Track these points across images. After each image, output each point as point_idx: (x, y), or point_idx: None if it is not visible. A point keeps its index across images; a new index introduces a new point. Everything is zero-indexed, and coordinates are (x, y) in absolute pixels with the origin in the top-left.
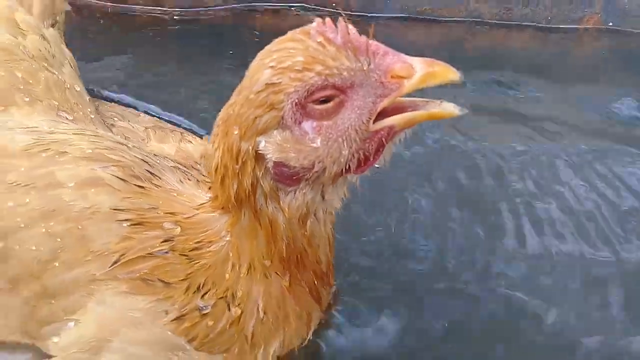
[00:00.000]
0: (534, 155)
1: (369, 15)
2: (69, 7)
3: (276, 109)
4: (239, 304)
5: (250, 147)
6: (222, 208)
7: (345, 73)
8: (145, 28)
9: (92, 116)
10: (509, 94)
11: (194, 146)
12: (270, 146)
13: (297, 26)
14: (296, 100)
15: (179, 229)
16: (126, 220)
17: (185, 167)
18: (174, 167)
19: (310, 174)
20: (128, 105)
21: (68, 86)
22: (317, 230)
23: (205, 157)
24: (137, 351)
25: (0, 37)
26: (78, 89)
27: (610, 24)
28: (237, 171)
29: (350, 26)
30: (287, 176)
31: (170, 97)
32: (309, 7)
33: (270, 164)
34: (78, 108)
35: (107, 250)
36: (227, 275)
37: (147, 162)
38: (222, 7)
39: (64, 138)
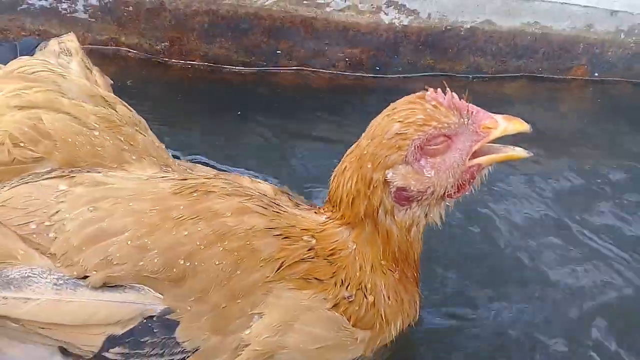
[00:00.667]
0: None
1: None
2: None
3: (402, 150)
4: (371, 293)
5: (381, 177)
6: (348, 223)
7: (452, 126)
8: None
9: (178, 168)
10: None
11: (264, 185)
12: (396, 176)
13: None
14: (418, 144)
15: (314, 240)
16: (278, 235)
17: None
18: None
19: (423, 197)
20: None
21: (157, 145)
22: (416, 236)
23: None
24: (314, 329)
25: (97, 109)
26: (163, 146)
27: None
28: (369, 194)
29: (453, 93)
30: (404, 198)
31: None
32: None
33: (393, 189)
34: (171, 162)
35: (272, 258)
36: (357, 273)
37: (265, 195)
38: None
39: (202, 182)
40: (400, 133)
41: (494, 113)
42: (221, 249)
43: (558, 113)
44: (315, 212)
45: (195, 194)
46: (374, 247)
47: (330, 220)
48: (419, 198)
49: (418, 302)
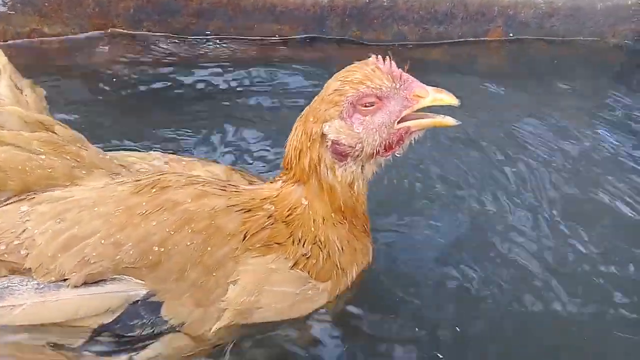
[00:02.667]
0: None
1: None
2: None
3: (338, 106)
4: (325, 246)
5: (319, 130)
6: (298, 180)
7: (384, 88)
8: None
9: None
10: None
11: (218, 167)
12: (331, 129)
13: None
14: (351, 101)
15: (272, 206)
16: (239, 210)
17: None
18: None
19: (353, 152)
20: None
21: (101, 156)
22: (360, 191)
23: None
24: (282, 288)
25: (37, 134)
26: (107, 156)
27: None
28: (310, 147)
29: (392, 62)
30: (339, 152)
31: None
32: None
33: (329, 142)
34: (117, 170)
35: (236, 231)
36: (312, 228)
37: (219, 180)
38: None
39: (156, 178)
40: (338, 89)
41: (426, 84)
42: (189, 231)
43: (478, 74)
44: (271, 182)
45: (153, 190)
46: (322, 201)
47: (285, 184)
48: (351, 153)
49: (370, 250)
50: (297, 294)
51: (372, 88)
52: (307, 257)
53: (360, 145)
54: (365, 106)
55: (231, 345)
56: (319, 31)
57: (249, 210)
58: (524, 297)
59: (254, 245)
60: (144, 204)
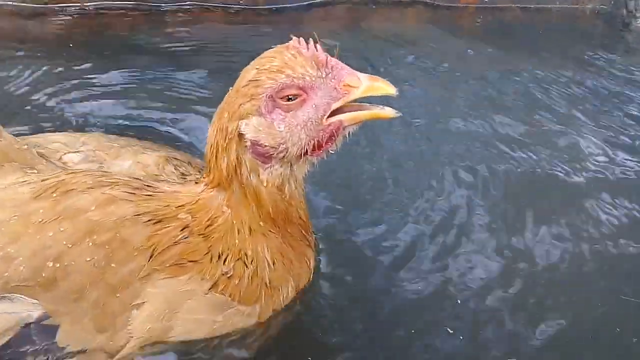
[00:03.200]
0: None
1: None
2: None
3: (255, 99)
4: (251, 261)
5: (235, 128)
6: (218, 185)
7: (307, 78)
8: None
9: (46, 162)
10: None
11: (150, 156)
12: (248, 128)
13: None
14: (269, 94)
15: (189, 216)
16: (148, 220)
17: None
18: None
19: (277, 154)
20: None
21: (17, 147)
22: (293, 194)
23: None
24: (199, 316)
25: None
26: (24, 147)
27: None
28: (225, 147)
29: (318, 45)
30: (260, 154)
31: None
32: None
33: (248, 143)
34: (35, 162)
35: (143, 246)
36: (236, 241)
37: (135, 179)
38: None
39: (61, 179)
40: (253, 80)
41: (361, 71)
42: (90, 244)
43: (454, 40)
44: (195, 183)
45: (54, 194)
46: (248, 208)
47: (206, 188)
48: (274, 155)
49: (312, 260)
50: (216, 322)
51: (294, 78)
52: (229, 277)
53: (284, 146)
54: (287, 99)
55: None
56: None
57: (160, 221)
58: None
59: (163, 265)
60: (41, 210)
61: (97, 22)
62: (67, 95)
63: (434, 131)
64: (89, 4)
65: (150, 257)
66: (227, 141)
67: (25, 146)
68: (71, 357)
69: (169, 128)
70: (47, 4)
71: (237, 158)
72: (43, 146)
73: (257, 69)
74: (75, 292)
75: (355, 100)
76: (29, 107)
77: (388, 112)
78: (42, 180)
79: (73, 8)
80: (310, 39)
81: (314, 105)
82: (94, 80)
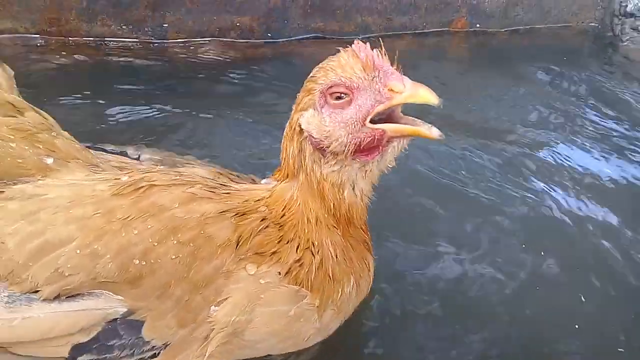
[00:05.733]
0: None
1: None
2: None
3: (311, 94)
4: (318, 251)
5: (297, 119)
6: (288, 176)
7: (355, 78)
8: None
9: (106, 165)
10: None
11: (200, 169)
12: (303, 119)
13: None
14: (321, 90)
15: (266, 208)
16: (232, 215)
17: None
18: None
19: (324, 147)
20: None
21: (78, 146)
22: (353, 201)
23: None
24: (277, 307)
25: (7, 119)
26: (83, 146)
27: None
28: (291, 136)
29: (376, 50)
30: (314, 145)
31: None
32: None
33: (306, 134)
34: (97, 161)
35: (229, 241)
36: (305, 229)
37: (209, 178)
38: None
39: (140, 177)
40: (312, 76)
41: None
42: (175, 242)
43: (444, 66)
44: (265, 183)
45: (137, 191)
46: (314, 199)
47: (279, 182)
48: (323, 148)
49: (371, 264)
50: (291, 311)
51: (342, 77)
52: (300, 265)
53: (327, 140)
54: (336, 98)
55: None
56: (281, 23)
57: (243, 214)
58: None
59: (247, 255)
60: (125, 207)
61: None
62: None
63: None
64: None
65: (237, 247)
66: (292, 131)
67: (83, 146)
68: (157, 350)
69: None
70: None
71: (300, 148)
72: (98, 156)
73: (319, 66)
74: (160, 289)
75: (402, 110)
76: None
77: (433, 132)
78: (119, 178)
79: None
80: (367, 44)
81: (358, 106)
82: None
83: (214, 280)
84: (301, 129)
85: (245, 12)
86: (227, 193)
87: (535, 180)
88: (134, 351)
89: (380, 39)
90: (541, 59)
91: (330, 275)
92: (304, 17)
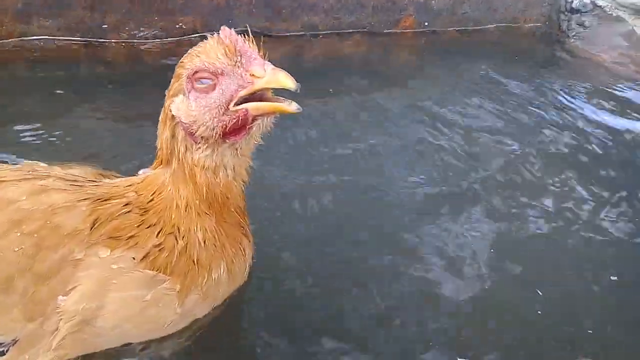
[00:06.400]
0: None
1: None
2: None
3: (180, 79)
4: (183, 237)
5: (169, 104)
6: (161, 162)
7: (217, 64)
8: None
9: None
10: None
11: (79, 169)
12: (174, 105)
13: None
14: (188, 75)
15: (135, 193)
16: (92, 200)
17: None
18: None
19: (193, 131)
20: None
21: None
22: (228, 184)
23: None
24: (131, 292)
25: None
26: None
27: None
28: (166, 122)
29: (240, 37)
30: (185, 131)
31: None
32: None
33: (177, 120)
34: None
35: (80, 228)
36: (173, 215)
37: (72, 175)
38: None
39: None
40: (181, 62)
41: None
42: (19, 234)
43: (393, 64)
44: (142, 172)
45: None
46: (186, 185)
47: (154, 168)
48: (193, 133)
49: (247, 251)
50: (146, 296)
51: (206, 62)
52: (160, 249)
53: (195, 125)
54: (201, 82)
55: None
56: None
57: (105, 200)
58: None
59: (99, 239)
60: None
61: None
62: None
63: None
64: None
65: (92, 228)
66: (165, 116)
67: None
68: (5, 347)
69: None
70: None
71: (173, 134)
72: None
73: (188, 52)
74: (3, 283)
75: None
76: None
77: (292, 107)
78: None
79: None
80: (231, 29)
81: (221, 90)
82: None
83: (60, 269)
84: (173, 115)
85: (189, 12)
86: (94, 184)
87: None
88: None
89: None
90: (490, 58)
91: (195, 260)
92: (249, 16)
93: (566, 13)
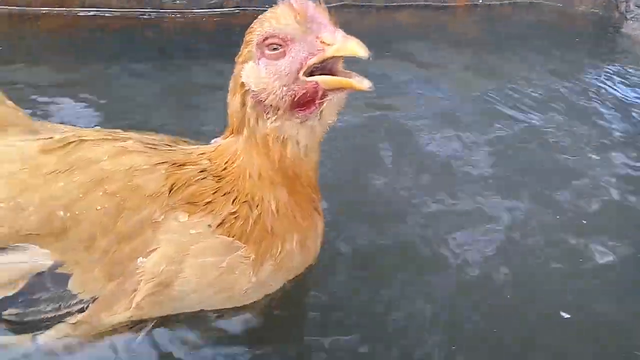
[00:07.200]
0: None
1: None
2: None
3: (250, 45)
4: (257, 206)
5: (239, 71)
6: (233, 131)
7: (288, 29)
8: None
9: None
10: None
11: (156, 135)
12: (244, 72)
13: None
14: (257, 41)
15: (209, 161)
16: (169, 165)
17: None
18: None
19: (262, 100)
20: None
21: (20, 114)
22: (297, 159)
23: None
24: (208, 258)
25: None
26: (25, 113)
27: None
28: (235, 90)
29: (311, 2)
30: (254, 98)
31: None
32: None
33: (247, 87)
34: (37, 127)
35: (159, 191)
36: (246, 184)
37: (150, 138)
38: None
39: (71, 134)
40: (251, 27)
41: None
42: (101, 193)
43: (446, 39)
44: (214, 142)
45: (67, 147)
46: (259, 154)
47: (225, 137)
48: (262, 101)
49: (319, 226)
50: (223, 262)
51: (276, 28)
52: (235, 217)
53: (265, 93)
54: (271, 49)
55: (151, 325)
56: None
57: (180, 165)
58: None
59: (178, 203)
60: (53, 161)
61: None
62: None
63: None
64: None
65: (170, 192)
66: (235, 84)
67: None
68: (84, 304)
69: None
70: None
71: (243, 102)
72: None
73: (258, 18)
74: (86, 241)
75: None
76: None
77: (364, 84)
78: (50, 137)
79: None
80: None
81: (291, 57)
82: None
83: (141, 231)
84: (243, 82)
85: None
86: (169, 149)
87: None
88: (60, 305)
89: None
90: (543, 39)
91: (269, 229)
92: None
93: None
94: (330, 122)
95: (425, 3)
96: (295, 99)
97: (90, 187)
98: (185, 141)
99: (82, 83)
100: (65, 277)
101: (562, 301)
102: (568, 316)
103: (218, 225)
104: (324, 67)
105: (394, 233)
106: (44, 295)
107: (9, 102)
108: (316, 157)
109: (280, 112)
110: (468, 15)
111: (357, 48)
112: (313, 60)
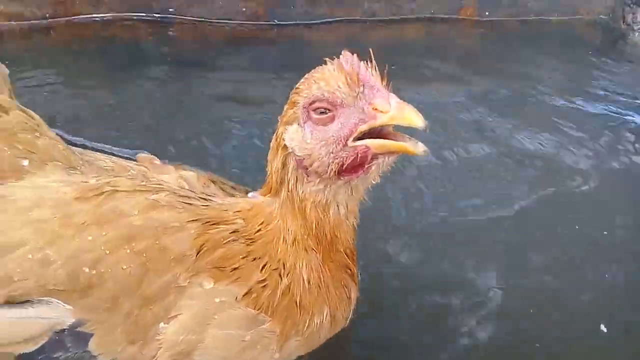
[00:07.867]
0: None
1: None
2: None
3: (295, 107)
4: (287, 274)
5: (282, 132)
6: (271, 191)
7: (338, 93)
8: None
9: (87, 168)
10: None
11: (192, 174)
12: (287, 134)
13: None
14: (304, 103)
15: (243, 221)
16: (198, 226)
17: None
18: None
19: (306, 165)
20: None
21: (61, 147)
22: (339, 221)
23: None
24: (231, 330)
25: None
26: (65, 146)
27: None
28: (277, 149)
29: (364, 63)
30: (297, 162)
31: None
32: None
33: (290, 150)
34: (78, 163)
35: (185, 253)
36: (279, 249)
37: (184, 189)
38: None
39: (105, 181)
40: (297, 88)
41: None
42: (128, 251)
43: (454, 53)
44: (251, 196)
45: (100, 197)
46: (295, 219)
47: (263, 196)
48: (306, 166)
49: (352, 295)
50: (246, 336)
51: (325, 91)
52: (263, 286)
53: (310, 159)
54: (319, 112)
55: None
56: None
57: (213, 224)
58: None
59: (205, 267)
60: (84, 212)
61: None
62: None
63: None
64: None
65: (197, 255)
66: (277, 144)
67: (70, 148)
68: None
69: None
70: None
71: (284, 164)
72: (88, 155)
73: (305, 77)
74: (109, 301)
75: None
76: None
77: (417, 148)
78: (86, 182)
79: None
80: (354, 54)
81: (340, 124)
82: None
83: (164, 295)
84: (285, 145)
85: None
86: (205, 205)
87: None
88: None
89: None
90: (551, 50)
91: (298, 302)
92: (310, 2)
93: (631, 5)
94: (374, 182)
95: (432, 16)
96: (343, 165)
97: (117, 244)
98: (223, 182)
99: (94, 90)
100: (87, 336)
101: None
102: None
103: (244, 295)
104: (372, 131)
105: None
106: (63, 354)
107: (51, 133)
108: (355, 219)
109: (324, 177)
110: (474, 28)
111: (413, 117)
112: (364, 128)
